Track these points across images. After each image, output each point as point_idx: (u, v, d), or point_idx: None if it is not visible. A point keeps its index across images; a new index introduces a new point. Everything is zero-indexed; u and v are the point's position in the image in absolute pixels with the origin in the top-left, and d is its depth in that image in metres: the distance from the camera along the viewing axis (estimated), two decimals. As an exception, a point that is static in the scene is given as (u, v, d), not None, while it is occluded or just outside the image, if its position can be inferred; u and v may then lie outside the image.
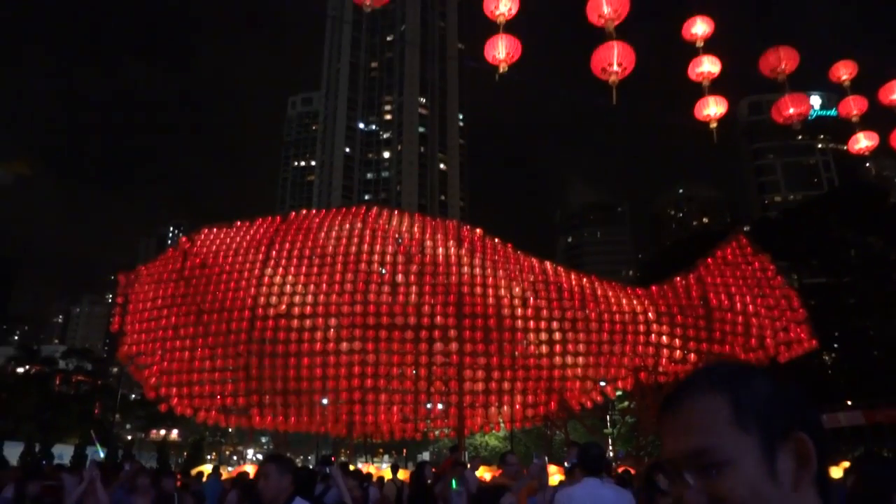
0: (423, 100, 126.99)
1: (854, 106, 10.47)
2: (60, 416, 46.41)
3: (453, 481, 7.84)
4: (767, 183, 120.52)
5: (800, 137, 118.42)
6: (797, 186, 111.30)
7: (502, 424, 20.57)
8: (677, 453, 1.02)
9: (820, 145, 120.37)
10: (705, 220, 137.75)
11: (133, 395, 58.56)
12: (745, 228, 26.93)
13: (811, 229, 41.17)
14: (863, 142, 10.91)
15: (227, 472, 18.57)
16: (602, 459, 4.83)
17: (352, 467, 13.24)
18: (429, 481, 8.69)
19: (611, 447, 38.96)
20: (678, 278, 21.41)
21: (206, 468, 19.06)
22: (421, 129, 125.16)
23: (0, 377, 50.12)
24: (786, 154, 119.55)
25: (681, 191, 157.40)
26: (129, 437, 60.94)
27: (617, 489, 4.59)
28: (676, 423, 1.04)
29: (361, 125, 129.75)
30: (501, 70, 10.32)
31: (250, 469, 15.13)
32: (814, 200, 49.28)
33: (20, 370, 52.15)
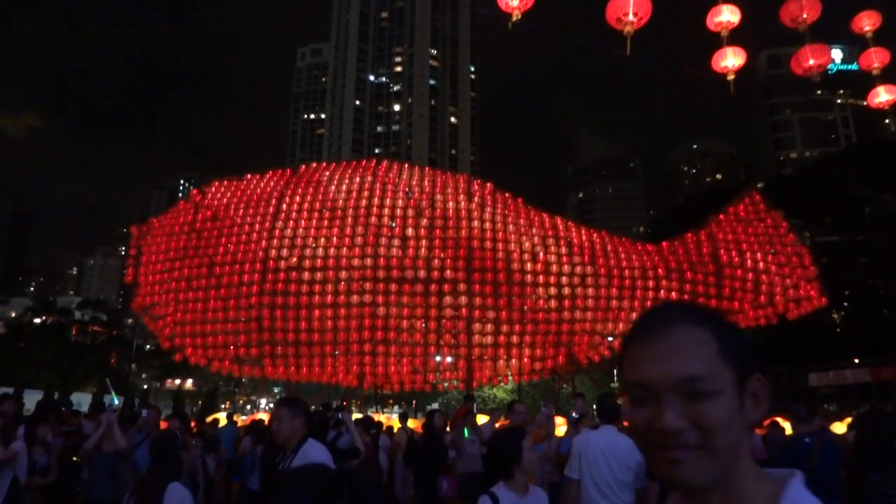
0: (433, 51, 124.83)
1: (875, 58, 10.17)
2: (78, 365, 47.46)
3: (465, 430, 7.85)
4: (783, 139, 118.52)
5: (819, 92, 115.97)
6: (814, 143, 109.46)
7: (510, 377, 20.87)
8: (664, 377, 1.04)
9: (839, 100, 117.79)
10: (719, 176, 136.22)
11: (148, 346, 59.72)
12: (758, 185, 26.60)
13: (826, 187, 40.63)
14: (883, 95, 10.63)
15: (241, 421, 19.04)
16: (617, 409, 5.24)
17: (357, 416, 13.50)
18: (445, 429, 8.86)
19: (619, 401, 39.52)
20: (689, 234, 21.31)
21: (221, 416, 19.55)
22: (432, 82, 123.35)
23: (18, 327, 51.14)
24: (803, 109, 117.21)
25: (695, 146, 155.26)
26: (145, 387, 62.39)
27: (630, 439, 4.81)
28: (662, 349, 1.06)
29: (372, 77, 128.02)
30: (514, 18, 10.04)
31: (264, 417, 15.52)
32: (830, 157, 48.49)
33: (37, 321, 53.16)
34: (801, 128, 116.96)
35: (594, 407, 10.15)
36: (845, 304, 40.51)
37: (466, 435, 7.75)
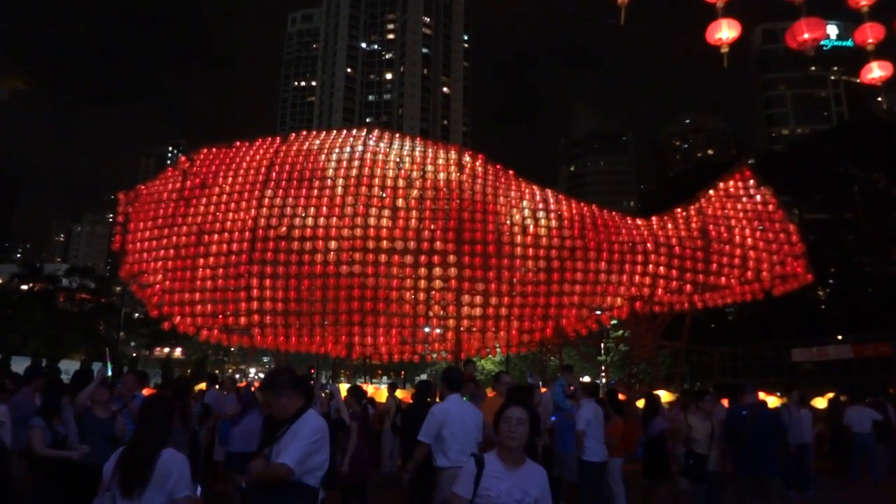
0: (427, 19, 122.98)
1: (870, 33, 10.09)
2: (65, 332, 47.24)
3: (464, 398, 7.65)
4: (776, 115, 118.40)
5: (813, 68, 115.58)
6: (806, 119, 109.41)
7: (498, 349, 21.02)
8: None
9: (833, 77, 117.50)
10: (710, 151, 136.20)
11: (136, 314, 59.47)
12: (749, 161, 26.65)
13: (816, 164, 40.75)
14: (876, 71, 10.57)
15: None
16: (459, 380, 6.21)
17: (346, 386, 13.57)
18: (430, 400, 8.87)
19: (603, 374, 39.95)
20: (679, 210, 21.36)
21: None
22: (424, 50, 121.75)
23: (4, 293, 50.72)
24: (797, 85, 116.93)
25: (687, 121, 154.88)
26: (134, 355, 62.34)
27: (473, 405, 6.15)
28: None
29: (363, 44, 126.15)
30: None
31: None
32: (821, 134, 48.55)
33: (24, 287, 52.75)
34: (794, 104, 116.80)
35: (583, 380, 10.27)
36: (831, 281, 40.93)
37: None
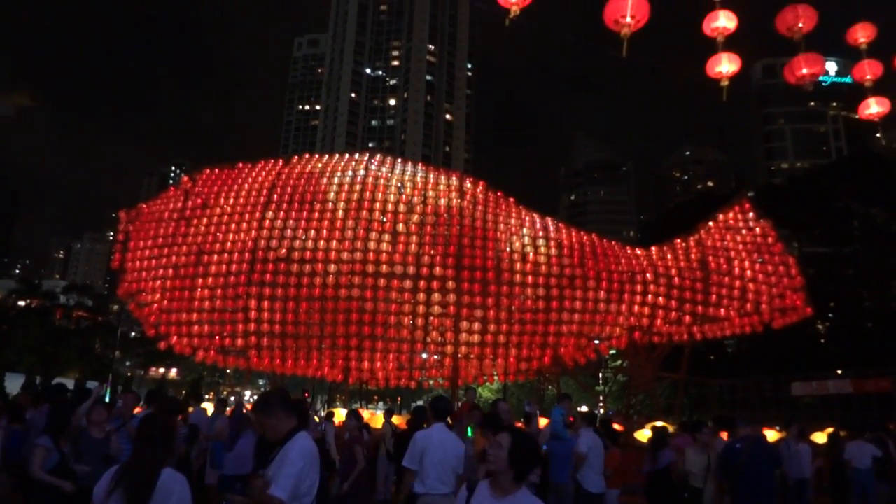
0: (431, 46, 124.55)
1: (868, 70, 10.22)
2: (61, 349, 47.03)
3: (469, 429, 7.46)
4: (776, 149, 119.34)
5: (812, 104, 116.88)
6: (805, 154, 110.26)
7: (496, 377, 20.86)
8: None
9: (832, 112, 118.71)
10: (710, 183, 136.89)
11: (133, 333, 59.23)
12: (749, 194, 26.76)
13: (816, 198, 40.94)
14: (874, 107, 10.68)
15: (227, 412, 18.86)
16: (447, 409, 6.33)
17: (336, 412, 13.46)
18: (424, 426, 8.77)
19: (601, 404, 39.66)
20: (678, 240, 21.39)
21: (207, 406, 19.38)
22: (428, 77, 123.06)
23: (1, 310, 50.61)
24: (796, 120, 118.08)
25: (687, 153, 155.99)
26: (129, 374, 61.91)
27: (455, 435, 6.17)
28: None
29: (368, 70, 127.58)
30: (513, 14, 9.98)
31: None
32: (820, 169, 48.87)
33: (21, 303, 52.63)
34: (794, 138, 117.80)
35: (580, 410, 10.21)
36: (830, 315, 40.86)
37: (470, 434, 7.14)
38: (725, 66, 9.79)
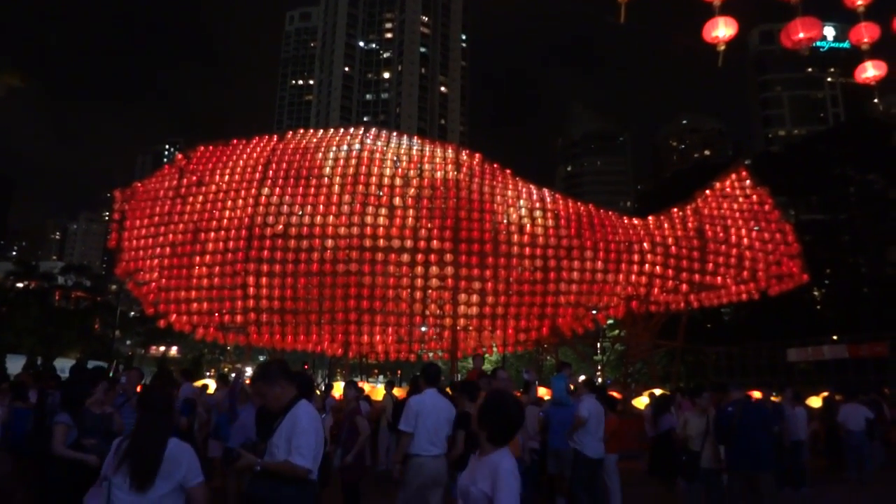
0: (425, 18, 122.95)
1: (865, 33, 10.08)
2: (61, 330, 47.17)
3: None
4: (773, 116, 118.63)
5: (809, 70, 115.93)
6: (802, 121, 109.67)
7: (495, 348, 21.03)
8: None
9: (829, 79, 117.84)
10: (707, 152, 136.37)
11: (132, 312, 59.42)
12: (746, 162, 26.68)
13: (813, 165, 40.89)
14: (870, 71, 10.57)
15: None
16: (438, 375, 6.72)
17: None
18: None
19: (599, 373, 40.03)
20: (675, 209, 21.40)
21: (209, 382, 19.52)
22: (422, 50, 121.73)
23: (0, 292, 50.66)
24: (794, 87, 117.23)
25: (684, 122, 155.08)
26: (130, 353, 62.24)
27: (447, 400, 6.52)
28: None
29: (361, 43, 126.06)
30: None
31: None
32: (817, 135, 48.70)
33: (19, 285, 52.64)
34: (791, 105, 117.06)
35: (580, 379, 10.33)
36: (826, 281, 41.08)
37: None
38: (722, 30, 9.66)
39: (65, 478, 5.52)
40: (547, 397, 11.35)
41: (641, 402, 19.42)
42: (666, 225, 20.70)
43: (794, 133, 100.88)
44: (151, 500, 3.41)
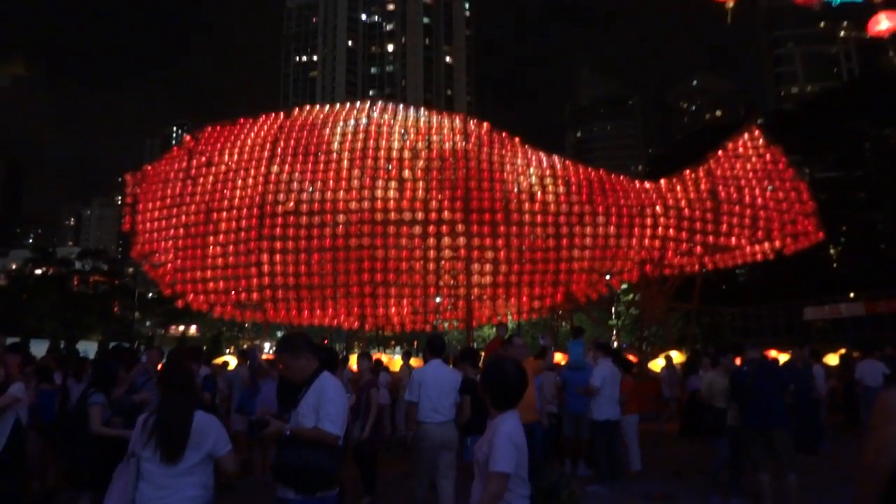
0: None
1: (879, -17, 9.84)
2: (82, 314, 47.91)
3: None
4: (785, 74, 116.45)
5: (822, 25, 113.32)
6: (815, 77, 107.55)
7: (509, 316, 21.12)
8: None
9: (842, 33, 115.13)
10: (718, 113, 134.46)
11: (150, 294, 60.12)
12: (758, 121, 26.26)
13: (827, 121, 40.16)
14: (884, 23, 10.30)
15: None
16: (442, 347, 6.91)
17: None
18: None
19: (615, 338, 40.11)
20: (688, 172, 21.18)
21: (230, 359, 19.82)
22: (425, 20, 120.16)
23: (19, 278, 51.43)
24: (806, 42, 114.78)
25: (694, 82, 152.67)
26: (150, 334, 63.16)
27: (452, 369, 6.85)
28: None
29: (363, 16, 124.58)
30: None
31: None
32: (831, 91, 47.79)
33: (38, 272, 53.33)
34: (803, 62, 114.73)
35: (591, 343, 10.41)
36: (842, 239, 40.69)
37: None
38: (730, -15, 9.45)
39: (94, 456, 5.67)
40: (563, 363, 11.43)
41: (657, 364, 19.51)
42: (678, 187, 20.51)
43: (808, 90, 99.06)
44: (181, 471, 3.50)
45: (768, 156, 20.58)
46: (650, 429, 10.90)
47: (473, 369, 7.03)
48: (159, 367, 8.51)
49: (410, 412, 6.59)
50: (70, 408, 6.86)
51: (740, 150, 21.08)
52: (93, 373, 6.46)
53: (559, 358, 13.50)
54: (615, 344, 36.14)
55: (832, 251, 41.11)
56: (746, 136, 21.33)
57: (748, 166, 20.49)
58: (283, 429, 3.78)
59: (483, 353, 10.17)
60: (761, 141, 21.03)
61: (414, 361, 14.54)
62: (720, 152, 21.25)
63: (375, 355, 18.63)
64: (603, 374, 8.40)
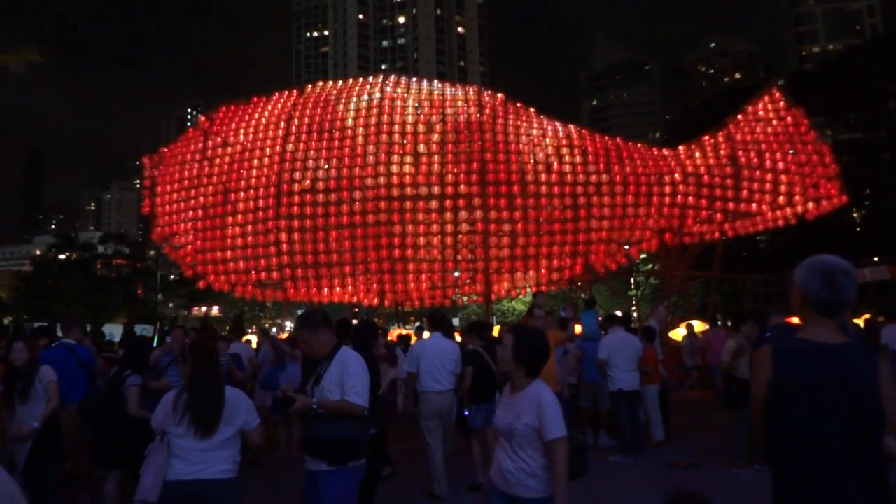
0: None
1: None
2: (106, 297, 48.67)
3: None
4: (806, 32, 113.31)
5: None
6: (838, 35, 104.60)
7: (528, 289, 21.11)
8: None
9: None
10: (738, 76, 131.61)
11: (172, 276, 60.89)
12: (779, 82, 25.66)
13: (849, 81, 39.17)
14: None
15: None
16: (443, 320, 7.43)
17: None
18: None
19: (634, 308, 39.96)
20: (707, 137, 20.83)
21: (251, 339, 20.05)
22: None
23: (44, 264, 52.30)
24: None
25: (712, 45, 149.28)
26: (174, 315, 64.11)
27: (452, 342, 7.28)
28: None
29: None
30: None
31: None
32: (853, 49, 46.52)
33: (62, 257, 54.17)
34: (825, 19, 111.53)
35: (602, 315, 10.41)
36: (866, 202, 39.93)
37: None
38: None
39: (122, 436, 5.79)
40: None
41: (678, 334, 19.42)
42: (697, 154, 20.20)
43: (829, 49, 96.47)
44: (215, 444, 3.60)
45: (789, 118, 20.14)
46: (672, 398, 10.88)
47: (480, 342, 7.23)
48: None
49: (409, 381, 7.16)
50: (96, 388, 6.99)
51: (760, 113, 20.65)
52: (126, 354, 6.57)
53: (578, 329, 13.48)
54: (635, 314, 36.05)
55: (856, 215, 40.41)
56: (767, 98, 20.86)
57: (769, 130, 20.08)
58: (309, 403, 3.83)
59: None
60: (782, 103, 20.56)
61: (427, 335, 14.58)
62: (740, 116, 20.83)
63: (396, 331, 18.77)
64: (609, 345, 8.38)
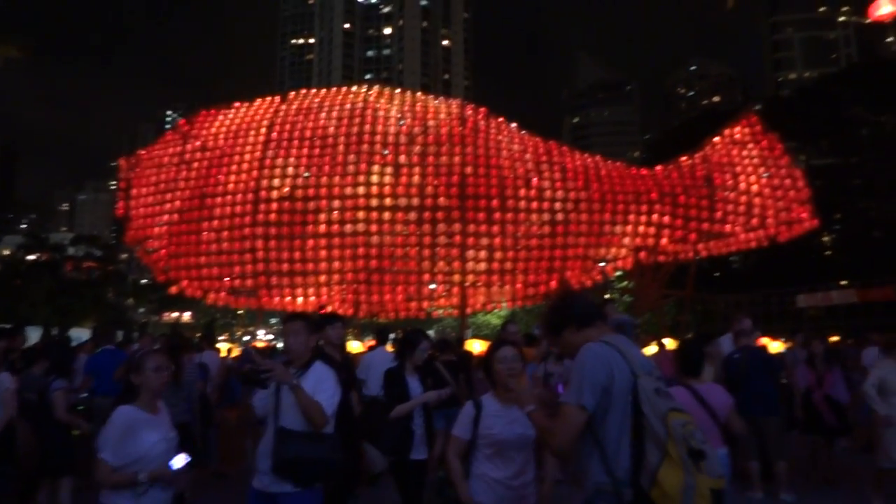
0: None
1: (881, -33, 9.72)
2: (75, 300, 47.75)
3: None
4: (783, 59, 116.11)
5: (821, 9, 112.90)
6: (814, 63, 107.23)
7: (504, 303, 21.12)
8: None
9: (842, 18, 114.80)
10: (716, 98, 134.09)
11: (144, 280, 60.00)
12: (756, 107, 26.12)
13: (824, 107, 40.09)
14: (885, 7, 10.26)
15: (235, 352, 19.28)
16: (387, 335, 9.07)
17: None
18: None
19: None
20: (684, 158, 21.13)
21: (221, 347, 19.77)
22: (423, 2, 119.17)
23: (12, 264, 51.21)
24: (805, 28, 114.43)
25: (692, 68, 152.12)
26: (144, 321, 63.05)
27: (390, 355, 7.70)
28: None
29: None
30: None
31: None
32: (828, 77, 47.68)
33: (31, 257, 53.10)
34: (802, 47, 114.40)
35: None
36: (836, 226, 40.75)
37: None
38: (729, -30, 9.36)
39: (64, 440, 5.65)
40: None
41: (649, 351, 19.55)
42: (674, 174, 20.46)
43: (806, 76, 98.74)
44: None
45: (765, 143, 20.52)
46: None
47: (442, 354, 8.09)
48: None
49: (358, 387, 7.53)
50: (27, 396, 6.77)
51: (737, 136, 21.01)
52: (51, 359, 6.34)
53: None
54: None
55: (826, 238, 41.20)
56: (743, 122, 21.24)
57: (744, 153, 20.42)
58: (289, 379, 3.74)
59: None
60: (758, 128, 20.95)
61: (389, 347, 14.49)
62: (717, 139, 21.18)
63: (369, 342, 18.62)
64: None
